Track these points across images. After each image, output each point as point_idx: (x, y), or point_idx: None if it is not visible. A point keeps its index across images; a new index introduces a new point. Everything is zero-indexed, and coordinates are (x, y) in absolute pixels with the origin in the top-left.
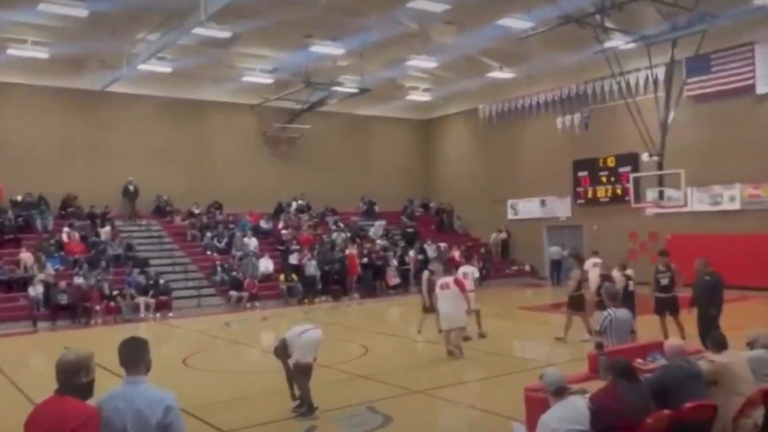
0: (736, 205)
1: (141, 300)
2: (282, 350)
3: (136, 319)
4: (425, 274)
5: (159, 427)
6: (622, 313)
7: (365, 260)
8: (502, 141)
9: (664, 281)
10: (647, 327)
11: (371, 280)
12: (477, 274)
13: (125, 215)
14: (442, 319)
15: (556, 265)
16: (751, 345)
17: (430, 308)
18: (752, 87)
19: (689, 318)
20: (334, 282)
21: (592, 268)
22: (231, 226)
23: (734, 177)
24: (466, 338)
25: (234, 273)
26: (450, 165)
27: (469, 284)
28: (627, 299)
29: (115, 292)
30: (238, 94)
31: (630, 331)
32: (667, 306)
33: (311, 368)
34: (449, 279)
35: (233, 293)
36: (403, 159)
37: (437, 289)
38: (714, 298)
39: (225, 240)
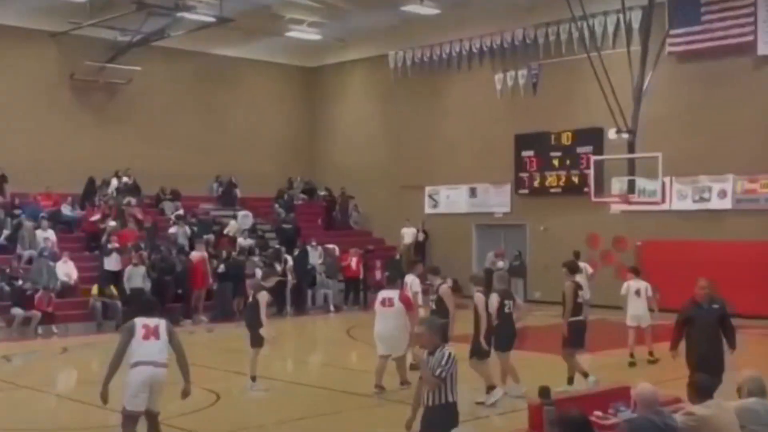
0: (727, 203)
1: None
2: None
3: None
4: (262, 295)
5: None
6: None
7: (221, 268)
8: (420, 104)
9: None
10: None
11: (228, 297)
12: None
13: None
14: (378, 341)
15: (490, 278)
16: (739, 392)
17: (259, 342)
18: (752, 45)
19: (670, 355)
20: (173, 298)
21: (633, 286)
22: (17, 211)
23: (726, 166)
24: (413, 366)
25: (20, 282)
26: (346, 135)
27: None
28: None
29: None
30: (34, 15)
31: None
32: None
33: (137, 419)
34: (393, 293)
35: (17, 312)
36: (278, 123)
37: (377, 305)
38: (720, 334)
39: (7, 232)
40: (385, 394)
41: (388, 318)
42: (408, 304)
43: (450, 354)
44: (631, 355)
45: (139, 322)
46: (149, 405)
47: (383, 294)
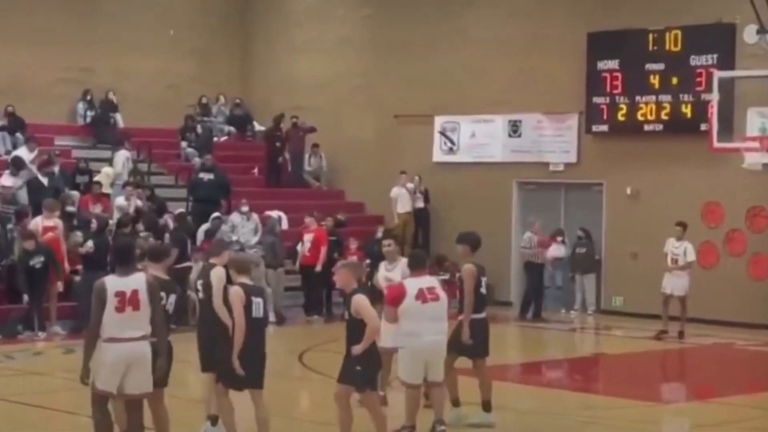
0: None
1: None
2: None
3: None
4: (216, 274)
5: None
6: None
7: (88, 245)
8: None
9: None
10: None
11: None
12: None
13: None
14: (414, 360)
15: (534, 276)
16: None
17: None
18: None
19: None
20: (7, 296)
21: (672, 251)
22: None
23: None
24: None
25: None
26: (304, 28)
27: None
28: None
29: None
30: None
31: None
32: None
33: None
34: (433, 281)
35: None
36: (189, 4)
37: (407, 302)
38: None
39: None
40: None
41: (435, 318)
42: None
43: None
44: None
45: (111, 286)
46: (131, 387)
47: (416, 283)
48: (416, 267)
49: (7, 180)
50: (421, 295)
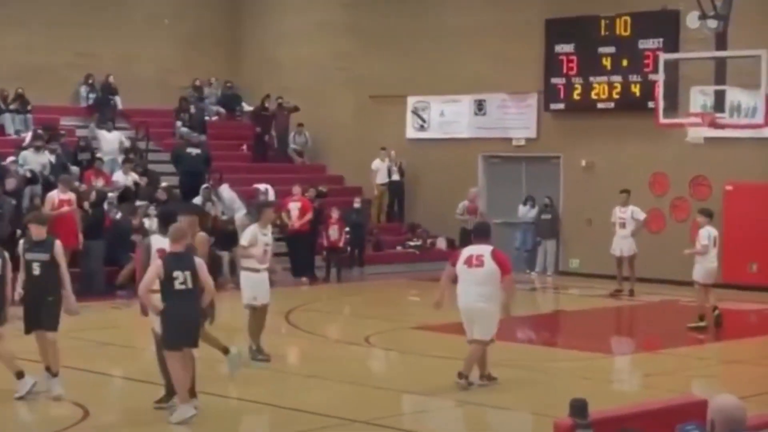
0: None
1: None
2: None
3: None
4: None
5: None
6: None
7: (93, 210)
8: None
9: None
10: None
11: (99, 263)
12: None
13: None
14: (463, 319)
15: (467, 242)
16: None
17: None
18: None
19: None
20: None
21: (619, 216)
22: None
23: None
24: None
25: None
26: (287, 16)
27: None
28: None
29: None
30: None
31: None
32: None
33: None
34: (484, 249)
35: None
36: None
37: (459, 265)
38: None
39: None
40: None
41: (470, 283)
42: (504, 265)
43: None
44: (701, 318)
45: (155, 244)
46: None
47: (470, 249)
48: (478, 236)
49: (36, 157)
50: (468, 260)
